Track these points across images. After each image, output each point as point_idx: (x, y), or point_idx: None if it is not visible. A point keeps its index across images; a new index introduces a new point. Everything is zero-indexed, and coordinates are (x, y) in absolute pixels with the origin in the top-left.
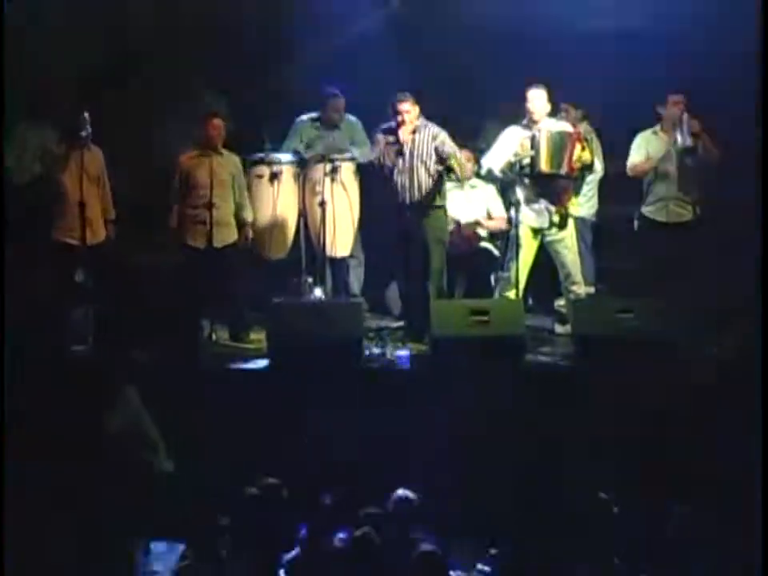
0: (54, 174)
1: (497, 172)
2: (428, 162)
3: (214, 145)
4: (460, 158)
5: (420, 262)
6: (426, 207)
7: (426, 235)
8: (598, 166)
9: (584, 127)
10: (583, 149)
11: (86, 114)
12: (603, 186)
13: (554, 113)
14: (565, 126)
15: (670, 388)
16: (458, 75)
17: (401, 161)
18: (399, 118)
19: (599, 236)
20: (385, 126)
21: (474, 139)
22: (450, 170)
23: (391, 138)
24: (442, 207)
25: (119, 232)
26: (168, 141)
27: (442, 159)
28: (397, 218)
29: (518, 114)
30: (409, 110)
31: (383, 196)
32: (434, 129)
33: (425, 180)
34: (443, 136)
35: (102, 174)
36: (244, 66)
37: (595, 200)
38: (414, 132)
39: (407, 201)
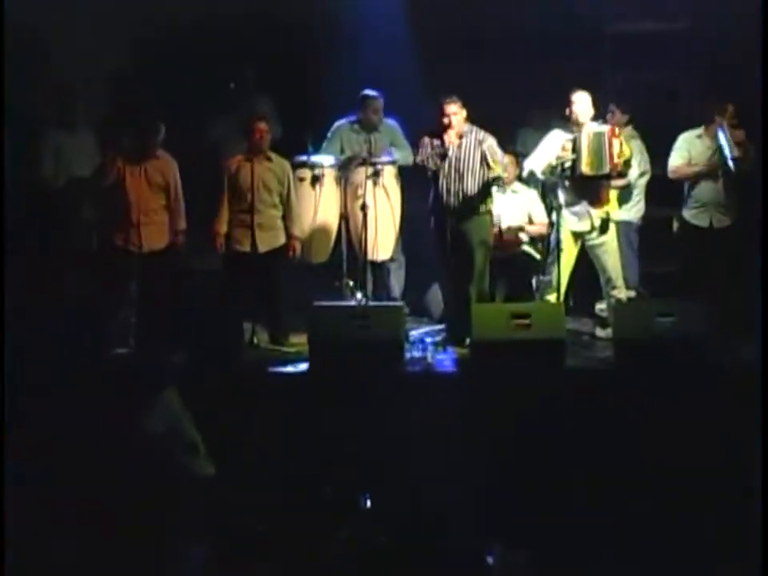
0: (102, 177)
1: (539, 174)
2: (475, 167)
3: (258, 148)
4: (505, 163)
5: (463, 266)
6: (471, 212)
7: (470, 239)
8: (635, 168)
9: (628, 131)
10: (621, 144)
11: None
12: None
13: (597, 117)
14: (604, 128)
15: (710, 391)
16: (494, 79)
17: (446, 165)
18: (446, 121)
19: (641, 239)
20: (431, 128)
21: (512, 144)
22: (495, 178)
23: (437, 141)
24: (488, 212)
25: None
26: (218, 144)
27: (488, 164)
28: (441, 222)
29: (553, 117)
30: (456, 111)
31: (428, 200)
32: (480, 133)
33: (470, 185)
34: (490, 141)
35: (170, 183)
36: (287, 69)
37: (642, 204)
38: (460, 137)
39: (452, 205)
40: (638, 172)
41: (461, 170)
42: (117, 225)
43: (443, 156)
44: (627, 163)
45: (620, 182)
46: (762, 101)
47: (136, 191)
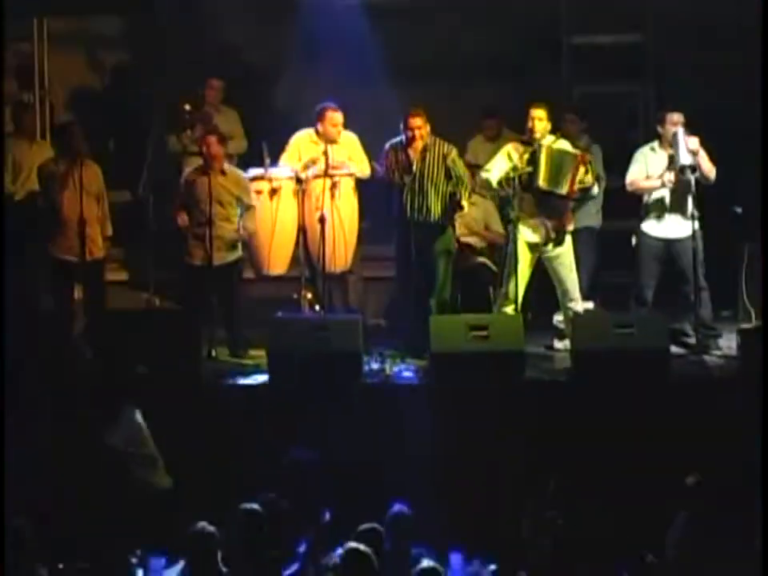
0: (53, 191)
1: (494, 183)
2: (439, 182)
3: (210, 162)
4: (467, 184)
5: (425, 278)
6: (434, 226)
7: (433, 252)
8: (595, 189)
9: (584, 140)
10: (586, 172)
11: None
12: (604, 199)
13: (554, 130)
14: (566, 145)
15: (669, 402)
16: (446, 90)
17: (410, 179)
18: (410, 134)
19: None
20: (394, 140)
21: (463, 154)
22: (454, 195)
23: (401, 154)
24: (451, 225)
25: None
26: (179, 158)
27: (452, 178)
28: (404, 235)
29: (504, 127)
30: (420, 125)
31: (390, 212)
32: (444, 146)
33: (434, 199)
34: (454, 154)
35: (101, 191)
36: (246, 82)
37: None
38: (424, 150)
39: (416, 219)
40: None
41: (425, 184)
42: (63, 235)
43: (408, 169)
44: (587, 189)
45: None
46: (762, 101)
47: (77, 200)
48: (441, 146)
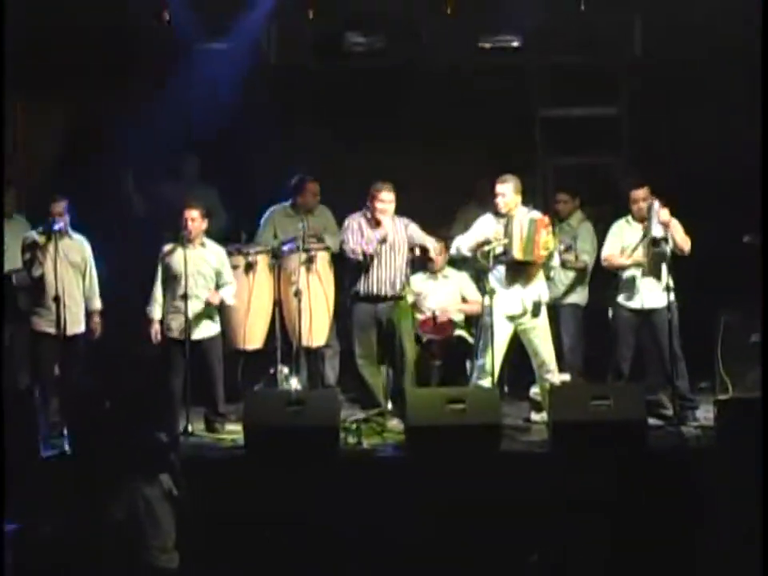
0: (31, 266)
1: (465, 251)
2: (404, 252)
3: (189, 236)
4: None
5: (395, 352)
6: (397, 298)
7: (399, 326)
8: (555, 257)
9: (577, 217)
10: (548, 234)
11: (63, 204)
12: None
13: (525, 202)
14: (536, 215)
15: (646, 473)
16: (422, 163)
17: (382, 251)
18: (380, 206)
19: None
20: (356, 215)
21: (444, 227)
22: (424, 251)
23: (371, 228)
24: (406, 298)
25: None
26: (156, 232)
27: (412, 248)
28: (368, 309)
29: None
30: (392, 200)
31: (361, 285)
32: (403, 218)
33: (399, 271)
34: (413, 226)
35: (86, 263)
36: (223, 157)
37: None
38: (390, 223)
39: (384, 292)
40: (589, 256)
41: (393, 255)
42: (45, 309)
43: (379, 242)
44: (550, 255)
45: (578, 265)
46: (763, 102)
47: (59, 274)
48: (399, 218)
